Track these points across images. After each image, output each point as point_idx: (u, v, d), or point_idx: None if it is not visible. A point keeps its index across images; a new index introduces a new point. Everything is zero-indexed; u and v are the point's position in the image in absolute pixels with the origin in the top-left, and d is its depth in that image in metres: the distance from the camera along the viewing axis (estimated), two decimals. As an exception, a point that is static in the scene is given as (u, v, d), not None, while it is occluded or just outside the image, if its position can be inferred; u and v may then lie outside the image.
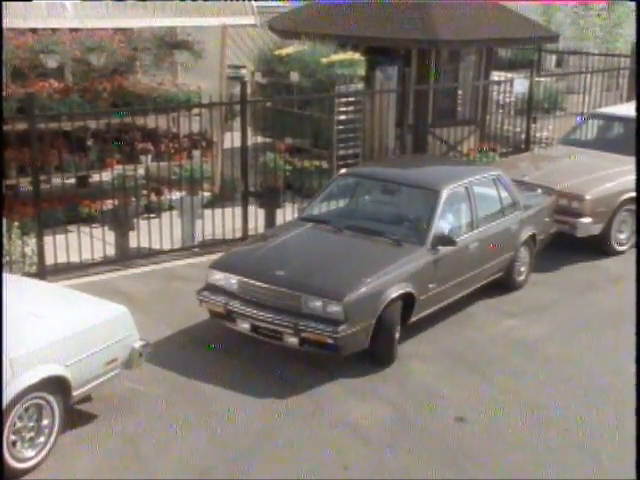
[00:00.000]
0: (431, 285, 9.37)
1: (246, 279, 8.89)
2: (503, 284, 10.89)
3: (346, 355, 8.64)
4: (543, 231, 11.43)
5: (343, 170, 11.81)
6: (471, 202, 10.12)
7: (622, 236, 12.50)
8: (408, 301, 9.05)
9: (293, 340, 8.53)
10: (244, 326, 8.85)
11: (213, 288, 9.11)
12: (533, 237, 11.14)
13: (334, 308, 8.40)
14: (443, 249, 9.45)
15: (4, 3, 10.22)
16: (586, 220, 12.01)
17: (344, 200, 10.70)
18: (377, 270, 8.86)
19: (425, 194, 9.94)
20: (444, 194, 9.78)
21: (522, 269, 11.11)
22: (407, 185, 10.35)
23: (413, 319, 9.26)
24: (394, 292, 8.79)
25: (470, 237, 9.98)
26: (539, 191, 11.80)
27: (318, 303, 8.47)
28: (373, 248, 9.40)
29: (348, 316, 8.37)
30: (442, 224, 9.67)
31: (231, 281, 8.98)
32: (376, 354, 8.88)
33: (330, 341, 8.36)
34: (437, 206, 9.66)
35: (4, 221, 10.27)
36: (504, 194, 10.79)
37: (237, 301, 8.84)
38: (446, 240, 9.46)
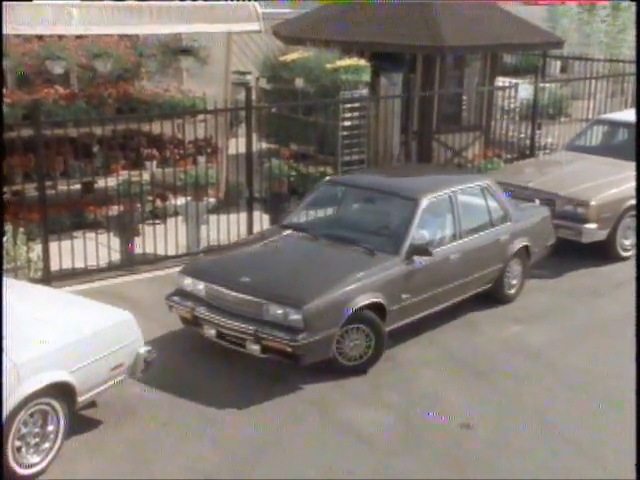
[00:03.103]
0: (404, 295, 9.18)
1: (212, 285, 8.89)
2: (492, 297, 10.65)
3: (307, 364, 8.54)
4: (538, 243, 11.12)
5: (327, 177, 11.77)
6: (454, 212, 9.94)
7: (627, 242, 12.48)
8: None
9: (255, 348, 8.46)
10: (210, 332, 8.81)
11: (182, 293, 9.13)
12: (526, 249, 10.87)
13: (294, 316, 8.32)
14: (419, 259, 9.29)
15: (4, 4, 10.23)
16: (591, 226, 12.00)
17: (327, 208, 10.60)
18: (343, 279, 8.73)
19: (403, 203, 9.79)
20: (423, 203, 9.63)
21: (513, 282, 10.83)
22: (387, 193, 10.23)
23: (387, 329, 9.04)
24: (361, 301, 8.66)
25: (451, 248, 9.79)
26: (537, 202, 11.63)
27: (279, 311, 8.40)
28: (344, 257, 9.30)
29: (308, 325, 8.28)
30: (419, 234, 9.47)
31: (198, 287, 8.98)
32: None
33: (289, 349, 8.28)
34: (414, 215, 9.51)
35: (9, 227, 10.29)
36: (493, 204, 10.57)
37: (204, 307, 8.83)
38: (421, 250, 9.26)
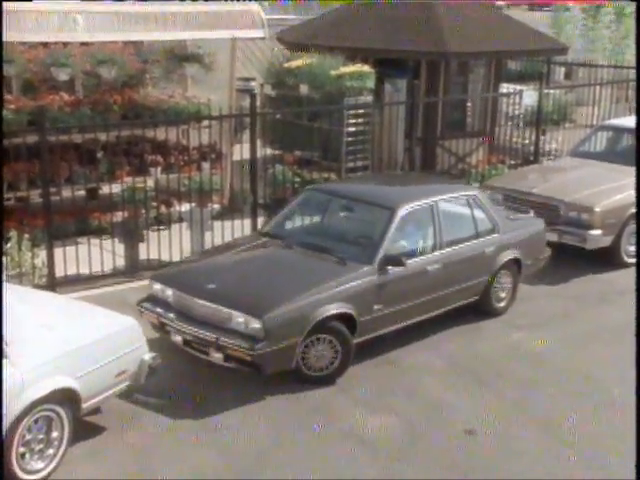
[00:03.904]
0: (377, 306, 9.02)
1: (179, 292, 8.85)
2: (480, 309, 10.44)
3: (268, 374, 8.46)
4: (530, 256, 10.85)
5: (310, 185, 11.69)
6: (435, 222, 9.73)
7: (632, 248, 12.42)
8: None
9: (218, 356, 8.37)
10: (177, 339, 8.72)
11: (153, 299, 9.09)
12: (517, 262, 10.63)
13: (254, 325, 8.21)
14: (393, 270, 9.11)
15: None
16: (596, 232, 11.97)
17: (307, 215, 10.51)
18: (308, 288, 8.60)
19: (380, 212, 9.62)
20: (399, 213, 9.45)
21: (502, 295, 10.59)
22: (365, 202, 10.08)
23: (358, 340, 8.95)
24: (326, 312, 8.53)
25: (429, 259, 9.60)
26: (531, 214, 11.44)
27: (241, 319, 8.30)
28: (315, 266, 9.16)
29: (268, 334, 8.16)
30: (394, 244, 9.31)
31: (167, 293, 8.95)
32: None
33: (248, 358, 8.19)
34: (390, 225, 9.34)
35: (14, 233, 10.32)
36: (480, 215, 10.35)
37: (172, 314, 8.77)
38: (394, 260, 9.09)
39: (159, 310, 8.87)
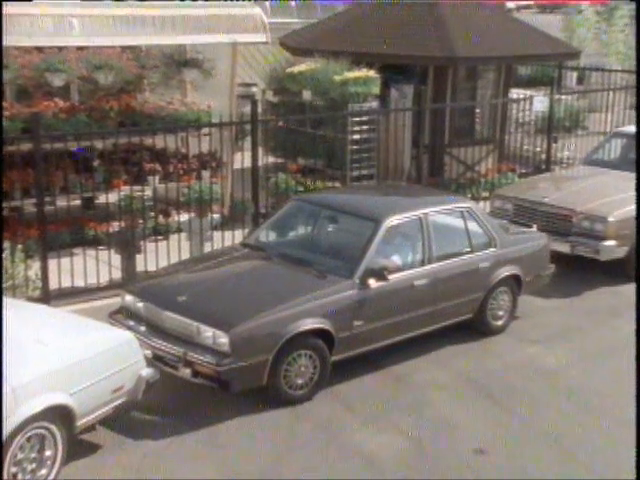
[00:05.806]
0: (357, 323, 8.74)
1: (149, 304, 8.67)
2: (476, 327, 10.11)
3: (237, 391, 8.24)
4: (531, 272, 10.52)
5: (296, 195, 11.53)
6: (424, 235, 9.46)
7: (647, 259, 12.20)
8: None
9: (186, 371, 8.12)
10: (147, 353, 8.39)
11: (126, 311, 8.92)
12: (516, 278, 10.30)
13: (221, 340, 8.01)
14: (375, 284, 8.85)
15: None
16: (609, 243, 11.78)
17: (291, 226, 10.34)
18: (281, 302, 8.39)
19: (365, 224, 9.39)
20: (384, 225, 9.20)
21: (500, 313, 10.23)
22: (349, 214, 9.86)
23: (336, 358, 8.68)
24: (300, 327, 8.26)
25: (416, 273, 9.30)
26: (534, 228, 11.24)
27: (209, 334, 8.10)
28: (293, 279, 8.98)
29: (236, 349, 7.96)
30: (378, 257, 9.03)
31: (138, 305, 8.77)
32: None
33: (215, 374, 7.97)
34: (374, 237, 9.10)
35: (7, 244, 10.13)
36: (474, 229, 10.04)
37: (143, 327, 8.58)
38: (377, 274, 8.82)
39: (130, 323, 8.68)
